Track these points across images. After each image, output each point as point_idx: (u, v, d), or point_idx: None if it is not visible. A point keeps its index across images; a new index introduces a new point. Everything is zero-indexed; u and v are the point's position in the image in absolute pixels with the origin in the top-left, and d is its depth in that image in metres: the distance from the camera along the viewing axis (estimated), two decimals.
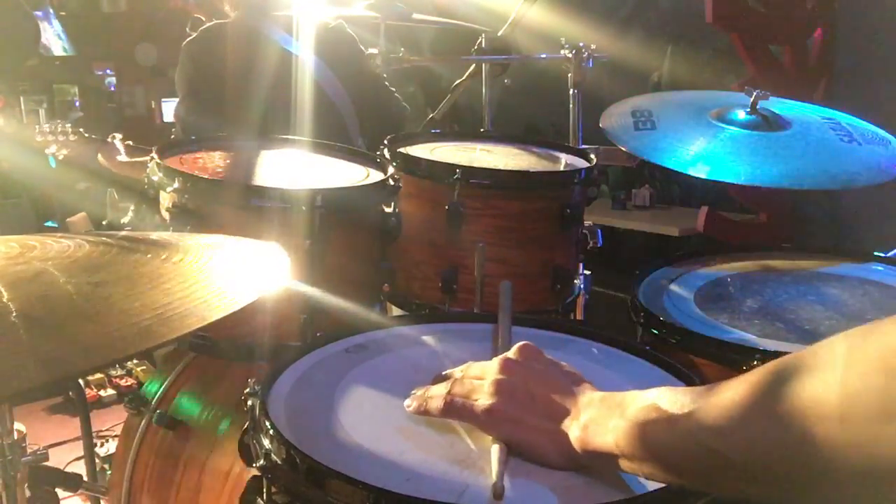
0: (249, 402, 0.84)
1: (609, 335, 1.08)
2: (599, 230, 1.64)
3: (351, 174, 1.48)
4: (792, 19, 3.60)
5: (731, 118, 1.47)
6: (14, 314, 0.68)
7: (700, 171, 1.37)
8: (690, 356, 1.13)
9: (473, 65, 2.23)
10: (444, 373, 0.89)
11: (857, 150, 1.42)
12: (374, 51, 1.90)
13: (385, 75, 2.36)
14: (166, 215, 1.30)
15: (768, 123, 1.46)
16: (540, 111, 4.72)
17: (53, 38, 5.56)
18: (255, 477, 0.82)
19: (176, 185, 1.27)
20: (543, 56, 2.11)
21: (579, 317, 1.73)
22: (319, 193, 1.27)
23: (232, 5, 2.32)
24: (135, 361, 3.87)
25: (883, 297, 1.31)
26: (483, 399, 0.79)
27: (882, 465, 0.50)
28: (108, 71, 5.81)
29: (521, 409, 0.77)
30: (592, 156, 1.63)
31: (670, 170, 1.39)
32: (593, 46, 1.93)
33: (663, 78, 4.43)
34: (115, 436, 2.92)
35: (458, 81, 2.28)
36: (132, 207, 1.38)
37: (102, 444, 2.92)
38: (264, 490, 0.80)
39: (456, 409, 0.80)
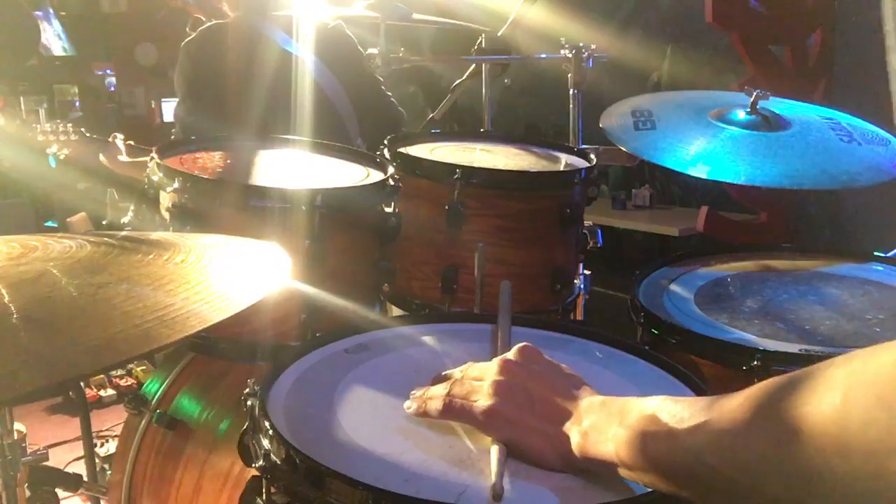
0: (249, 403, 0.84)
1: (609, 335, 1.08)
2: (599, 230, 1.64)
3: (351, 174, 1.47)
4: (792, 19, 3.60)
5: (731, 118, 1.47)
6: (15, 316, 0.68)
7: (700, 171, 1.37)
8: (690, 356, 1.13)
9: (473, 65, 2.23)
10: (443, 373, 0.89)
11: (857, 150, 1.42)
12: (374, 51, 1.90)
13: (382, 79, 2.36)
14: (166, 215, 1.30)
15: (768, 123, 1.46)
16: (540, 111, 4.72)
17: (53, 38, 5.57)
18: (254, 477, 0.82)
19: (176, 185, 1.27)
20: (543, 56, 2.11)
21: (579, 317, 1.73)
22: (319, 193, 1.27)
23: (231, 5, 2.33)
24: (135, 361, 3.88)
25: (883, 297, 1.31)
26: (482, 400, 0.79)
27: (884, 495, 0.50)
28: (108, 71, 5.82)
29: (520, 411, 0.77)
30: (592, 156, 1.62)
31: (670, 170, 1.39)
32: (593, 46, 1.92)
33: (663, 78, 4.43)
34: (115, 436, 2.92)
35: (458, 81, 2.28)
36: (132, 207, 1.38)
37: (102, 444, 2.93)
38: (264, 490, 0.80)
39: (455, 411, 0.80)
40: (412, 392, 0.87)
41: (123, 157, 2.38)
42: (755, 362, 1.03)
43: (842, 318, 1.21)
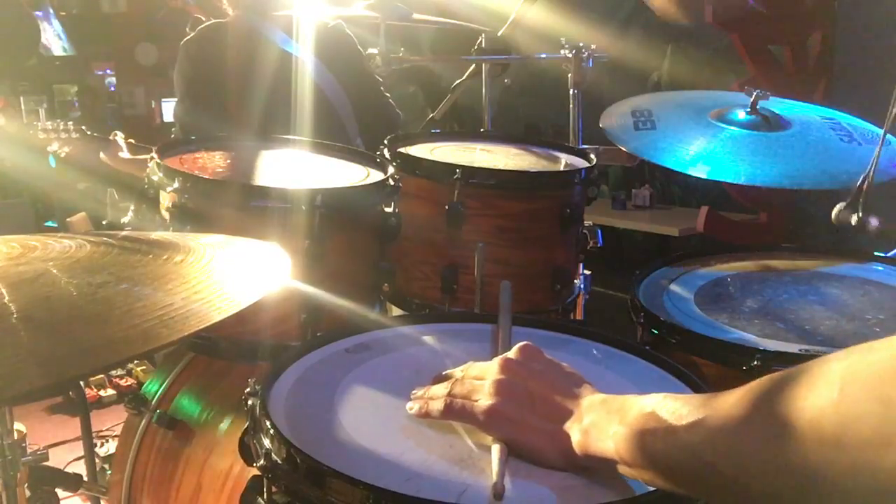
0: (250, 402, 0.84)
1: (609, 335, 1.08)
2: (599, 230, 1.64)
3: (351, 174, 1.47)
4: (792, 19, 3.60)
5: (731, 118, 1.47)
6: (15, 315, 0.68)
7: (700, 171, 1.37)
8: (690, 356, 1.13)
9: (473, 65, 2.23)
10: (444, 373, 0.89)
11: (857, 150, 1.42)
12: (374, 51, 1.90)
13: (382, 80, 2.36)
14: (166, 215, 1.30)
15: (768, 123, 1.46)
16: (540, 111, 4.72)
17: (53, 38, 5.57)
18: (255, 476, 0.82)
19: (176, 184, 1.27)
20: (543, 56, 2.11)
21: (579, 317, 1.73)
22: (319, 193, 1.27)
23: (231, 5, 2.32)
24: (135, 361, 3.88)
25: (883, 297, 1.31)
26: (483, 399, 0.79)
27: (880, 488, 0.50)
28: (108, 71, 5.82)
29: (521, 410, 0.77)
30: (592, 156, 1.63)
31: (670, 170, 1.39)
32: (593, 46, 1.92)
33: (663, 78, 4.44)
34: (115, 436, 2.92)
35: (458, 81, 2.28)
36: (132, 207, 1.38)
37: (102, 444, 2.93)
38: (265, 490, 0.80)
39: (456, 411, 0.80)
40: (413, 392, 0.87)
41: (125, 154, 2.38)
42: (755, 362, 1.03)
43: (842, 318, 1.21)
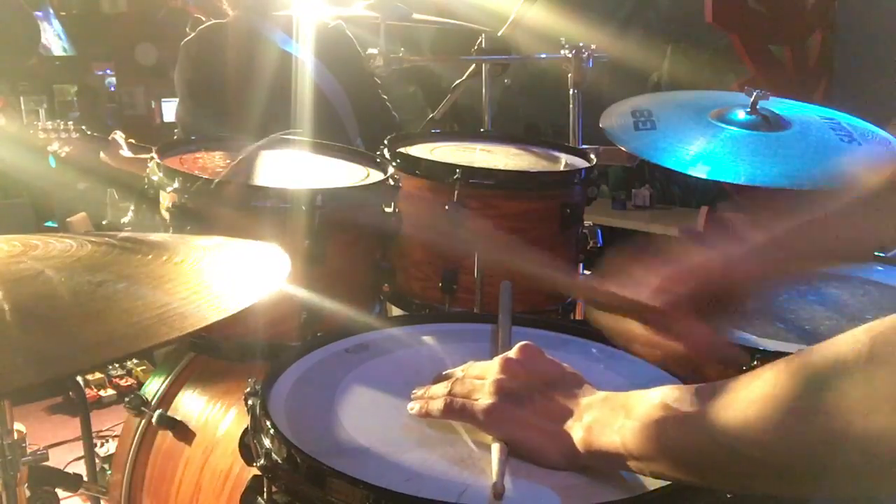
0: (250, 402, 0.84)
1: None
2: (599, 230, 1.64)
3: (351, 174, 1.48)
4: (792, 19, 3.60)
5: (731, 118, 1.47)
6: (13, 312, 0.68)
7: (700, 171, 1.37)
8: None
9: (473, 65, 2.23)
10: (444, 372, 0.89)
11: (857, 150, 1.42)
12: (374, 51, 1.90)
13: (380, 81, 2.36)
14: (166, 215, 1.30)
15: (768, 123, 1.46)
16: (540, 111, 4.72)
17: (53, 38, 5.57)
18: (255, 476, 0.82)
19: (176, 185, 1.27)
20: (543, 56, 2.11)
21: (579, 317, 1.73)
22: (319, 193, 1.27)
23: (231, 5, 2.32)
24: (135, 361, 3.88)
25: (883, 297, 1.31)
26: (483, 399, 0.79)
27: None
28: (108, 71, 5.82)
29: (522, 409, 0.77)
30: (592, 156, 1.63)
31: (670, 170, 1.39)
32: (593, 46, 1.92)
33: (663, 78, 4.44)
34: (115, 436, 2.92)
35: (458, 81, 2.28)
36: (132, 207, 1.38)
37: (102, 444, 2.93)
38: (265, 490, 0.80)
39: (456, 410, 0.80)
40: (413, 391, 0.87)
41: (125, 152, 2.38)
42: (755, 362, 1.03)
43: (842, 318, 1.21)
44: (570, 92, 1.95)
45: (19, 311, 0.69)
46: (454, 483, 0.73)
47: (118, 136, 2.41)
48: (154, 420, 1.41)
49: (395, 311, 1.59)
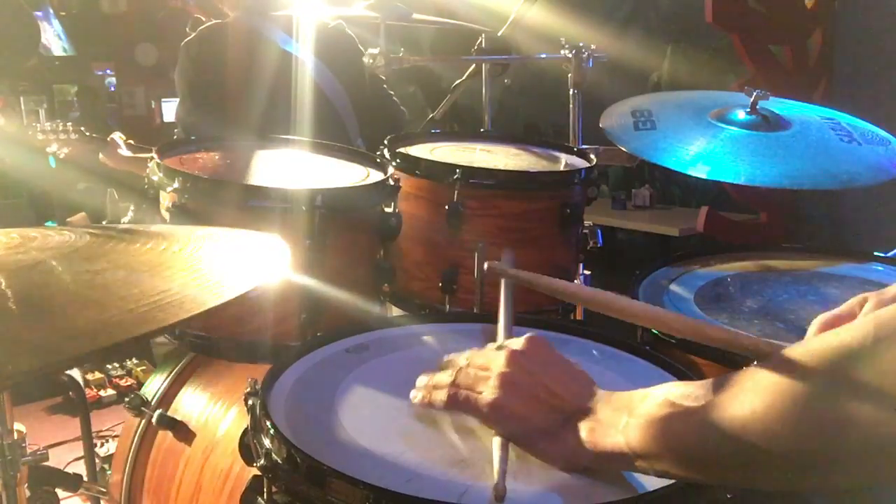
0: (250, 402, 0.84)
1: (609, 335, 1.08)
2: (599, 230, 1.64)
3: (351, 174, 1.47)
4: (792, 19, 3.60)
5: (731, 118, 1.47)
6: (12, 300, 0.68)
7: (700, 171, 1.36)
8: (690, 356, 1.12)
9: (473, 65, 2.22)
10: (447, 357, 0.87)
11: (857, 150, 1.41)
12: (374, 51, 1.90)
13: (384, 78, 2.36)
14: (166, 215, 1.30)
15: (768, 123, 1.46)
16: (540, 111, 4.72)
17: (53, 38, 5.57)
18: (255, 476, 0.82)
19: (176, 185, 1.27)
20: (543, 56, 2.11)
21: (579, 317, 1.73)
22: (319, 193, 1.27)
23: (231, 5, 2.32)
24: (135, 361, 3.88)
25: None
26: (487, 392, 0.77)
27: None
28: (108, 71, 5.82)
29: (526, 406, 0.76)
30: (592, 156, 1.62)
31: (670, 170, 1.39)
32: (593, 46, 1.92)
33: (663, 78, 4.44)
34: (115, 436, 2.92)
35: (458, 81, 2.28)
36: (132, 207, 1.38)
37: (102, 444, 2.93)
38: (265, 490, 0.80)
39: (459, 403, 0.79)
40: (418, 379, 0.86)
41: (124, 151, 2.38)
42: (755, 362, 1.03)
43: None
44: (570, 92, 1.94)
45: (17, 299, 0.69)
46: (455, 483, 0.73)
47: (117, 136, 2.42)
48: (154, 420, 1.41)
49: (395, 311, 1.59)
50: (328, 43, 2.31)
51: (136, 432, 1.46)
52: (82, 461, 2.36)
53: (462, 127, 3.94)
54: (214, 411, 1.38)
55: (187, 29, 2.39)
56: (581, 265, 1.69)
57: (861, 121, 1.53)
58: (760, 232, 3.62)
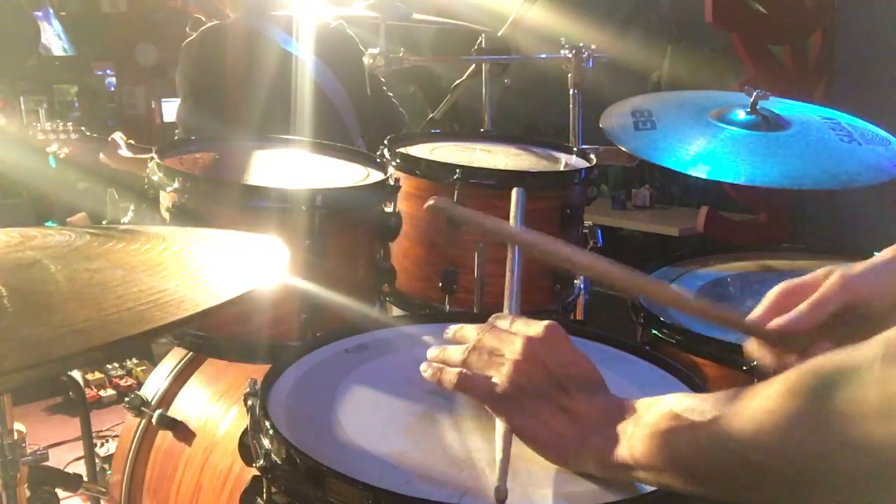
0: (250, 402, 0.84)
1: (609, 335, 1.08)
2: (599, 230, 1.64)
3: (351, 174, 1.47)
4: (792, 19, 3.60)
5: (731, 118, 1.47)
6: (7, 298, 0.68)
7: (700, 171, 1.36)
8: (690, 356, 1.13)
9: (473, 65, 2.22)
10: (455, 328, 0.86)
11: (857, 150, 1.41)
12: (374, 51, 1.90)
13: (384, 80, 2.36)
14: (166, 215, 1.30)
15: (768, 123, 1.46)
16: (540, 111, 4.71)
17: (53, 38, 5.56)
18: (255, 477, 0.82)
19: (176, 185, 1.27)
20: (543, 56, 2.10)
21: (579, 317, 1.73)
22: (319, 193, 1.27)
23: (231, 6, 2.32)
24: (135, 361, 3.88)
25: None
26: (499, 380, 0.76)
27: None
28: (108, 71, 5.82)
29: (536, 402, 0.75)
30: (592, 156, 1.63)
31: (670, 170, 1.39)
32: (593, 46, 1.92)
33: (663, 78, 4.43)
34: (115, 436, 2.92)
35: (458, 81, 2.28)
36: (132, 207, 1.38)
37: (102, 444, 2.93)
38: (264, 490, 0.80)
39: (468, 386, 0.78)
40: (429, 351, 0.85)
41: (124, 151, 2.38)
42: (755, 363, 1.03)
43: None
44: (570, 92, 1.94)
45: (14, 297, 0.69)
46: (455, 484, 0.72)
47: (117, 136, 2.42)
48: (154, 420, 1.41)
49: (395, 311, 1.59)
50: (329, 43, 2.31)
51: (136, 432, 1.46)
52: (82, 461, 2.35)
53: (462, 127, 3.93)
54: (214, 411, 1.38)
55: (187, 29, 2.40)
56: None
57: (861, 121, 1.53)
58: (760, 232, 3.62)
